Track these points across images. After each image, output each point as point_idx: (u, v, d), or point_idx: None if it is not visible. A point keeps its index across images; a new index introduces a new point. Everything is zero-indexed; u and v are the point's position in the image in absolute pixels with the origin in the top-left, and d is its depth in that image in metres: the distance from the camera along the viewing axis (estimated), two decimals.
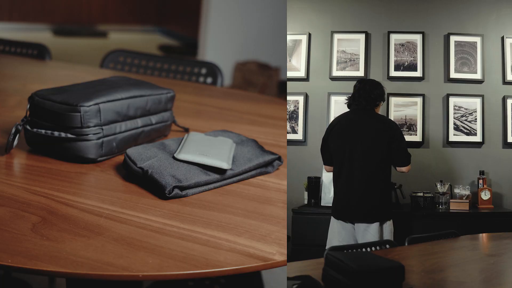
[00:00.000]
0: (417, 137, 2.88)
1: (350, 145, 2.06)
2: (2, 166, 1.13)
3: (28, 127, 1.18)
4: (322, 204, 2.72)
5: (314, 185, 2.75)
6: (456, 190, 2.69)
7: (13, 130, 1.17)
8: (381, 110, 2.91)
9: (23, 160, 1.18)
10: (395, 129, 2.08)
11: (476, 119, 2.86)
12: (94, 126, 1.15)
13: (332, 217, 2.12)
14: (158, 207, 0.98)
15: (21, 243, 0.81)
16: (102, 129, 1.17)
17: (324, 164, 2.21)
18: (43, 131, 1.15)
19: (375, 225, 2.00)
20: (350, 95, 2.17)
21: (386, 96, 2.21)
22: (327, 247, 2.02)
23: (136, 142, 1.27)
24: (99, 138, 1.16)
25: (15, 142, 1.18)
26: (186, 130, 1.44)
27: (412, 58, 2.94)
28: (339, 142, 2.09)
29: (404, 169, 2.12)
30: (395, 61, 2.94)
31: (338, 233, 2.07)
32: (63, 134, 1.14)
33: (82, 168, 1.14)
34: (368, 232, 1.99)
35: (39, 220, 0.89)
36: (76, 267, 0.77)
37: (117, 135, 1.21)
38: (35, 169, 1.14)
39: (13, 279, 1.58)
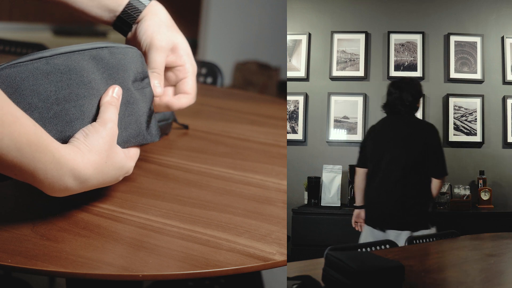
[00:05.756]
0: None
1: (383, 150, 2.02)
2: None
3: None
4: (322, 204, 2.72)
5: (314, 185, 2.75)
6: (456, 190, 2.70)
7: None
8: (380, 110, 2.92)
9: None
10: (428, 136, 2.00)
11: (476, 119, 2.86)
12: None
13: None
14: (158, 207, 0.98)
15: (21, 243, 0.81)
16: None
17: (357, 166, 2.14)
18: None
19: (406, 234, 1.91)
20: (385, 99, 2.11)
21: (421, 95, 2.11)
22: None
23: None
24: None
25: None
26: (186, 127, 1.44)
27: (412, 58, 2.94)
28: (374, 146, 2.05)
29: (436, 181, 2.01)
30: (395, 61, 2.94)
31: (365, 239, 2.02)
32: None
33: None
34: (398, 241, 1.89)
35: (39, 220, 0.89)
36: (76, 267, 0.77)
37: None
38: None
39: (13, 279, 1.58)
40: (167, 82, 1.07)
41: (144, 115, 0.95)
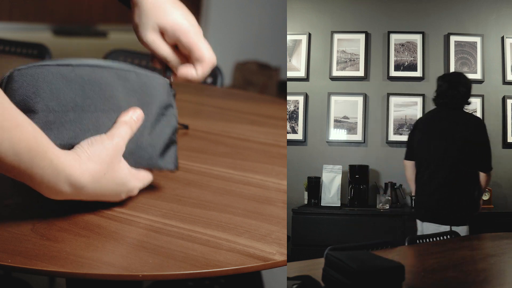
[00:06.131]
0: None
1: (430, 143, 2.00)
2: None
3: None
4: (322, 204, 2.73)
5: (314, 185, 2.75)
6: None
7: None
8: (380, 110, 2.92)
9: None
10: (475, 130, 1.99)
11: None
12: None
13: None
14: (158, 207, 0.98)
15: (21, 243, 0.81)
16: None
17: (404, 158, 2.14)
18: None
19: (445, 228, 1.91)
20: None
21: (470, 90, 2.11)
22: None
23: None
24: None
25: None
26: (186, 127, 1.44)
27: (412, 58, 2.94)
28: (421, 139, 2.04)
29: (483, 175, 2.00)
30: (395, 61, 2.95)
31: (420, 232, 2.02)
32: None
33: None
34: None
35: (39, 220, 0.89)
36: (76, 267, 0.77)
37: None
38: None
39: (13, 279, 1.58)
40: (182, 58, 1.04)
41: (161, 142, 0.96)
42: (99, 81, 0.90)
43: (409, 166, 2.12)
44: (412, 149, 2.10)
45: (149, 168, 0.96)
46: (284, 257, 0.86)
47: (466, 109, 2.10)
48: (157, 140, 0.96)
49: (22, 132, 0.74)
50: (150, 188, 1.06)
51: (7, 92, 0.86)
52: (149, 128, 0.94)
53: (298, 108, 2.96)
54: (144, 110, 0.93)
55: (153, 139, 0.95)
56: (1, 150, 0.72)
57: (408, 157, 2.12)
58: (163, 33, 1.01)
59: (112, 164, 0.86)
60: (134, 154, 0.92)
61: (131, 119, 0.91)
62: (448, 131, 2.00)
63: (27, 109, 0.84)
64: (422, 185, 2.02)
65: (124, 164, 0.89)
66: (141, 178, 0.94)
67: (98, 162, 0.84)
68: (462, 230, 1.91)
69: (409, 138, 2.14)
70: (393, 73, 2.93)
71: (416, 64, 2.93)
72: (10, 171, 0.75)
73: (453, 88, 2.03)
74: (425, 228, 1.99)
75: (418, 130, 2.08)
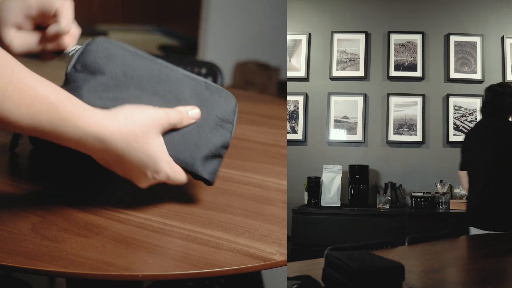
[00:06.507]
0: (417, 137, 2.88)
1: (478, 153, 2.04)
2: (4, 166, 1.13)
3: None
4: (322, 204, 2.72)
5: (314, 185, 2.75)
6: (456, 190, 2.70)
7: None
8: (380, 110, 2.92)
9: (25, 160, 1.19)
10: None
11: (476, 119, 2.86)
12: None
13: None
14: (158, 207, 0.98)
15: (21, 243, 0.81)
16: None
17: (459, 168, 2.16)
18: None
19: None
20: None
21: None
22: None
23: None
24: None
25: (19, 141, 1.18)
26: None
27: (412, 58, 2.94)
28: (471, 149, 2.08)
29: None
30: (395, 61, 2.94)
31: None
32: None
33: (83, 168, 1.14)
34: None
35: (39, 220, 0.88)
36: (76, 267, 0.77)
37: None
38: (36, 169, 1.14)
39: (13, 279, 1.58)
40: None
41: (207, 148, 0.95)
42: (170, 73, 0.94)
43: (463, 176, 2.16)
44: (464, 159, 2.13)
45: (185, 169, 0.94)
46: (284, 257, 0.86)
47: None
48: (205, 145, 0.95)
49: (42, 105, 0.76)
50: (150, 188, 1.05)
51: (84, 52, 0.93)
52: (201, 130, 0.95)
53: (298, 108, 2.96)
54: (202, 113, 0.95)
55: (201, 142, 0.94)
56: (23, 125, 0.76)
57: (461, 167, 2.16)
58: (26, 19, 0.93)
59: (148, 133, 0.86)
60: (177, 146, 0.91)
61: (186, 112, 0.92)
62: (494, 141, 2.03)
63: (97, 71, 0.91)
64: (475, 193, 2.05)
65: (160, 141, 0.88)
66: (174, 168, 0.91)
67: (133, 123, 0.84)
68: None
69: (461, 148, 2.17)
70: (393, 73, 2.93)
71: (416, 64, 2.93)
72: (37, 136, 0.79)
73: (498, 98, 2.06)
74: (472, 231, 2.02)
75: (468, 140, 2.12)
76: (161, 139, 0.88)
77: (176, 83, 0.94)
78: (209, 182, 0.98)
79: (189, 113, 0.92)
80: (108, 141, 0.82)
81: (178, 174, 0.92)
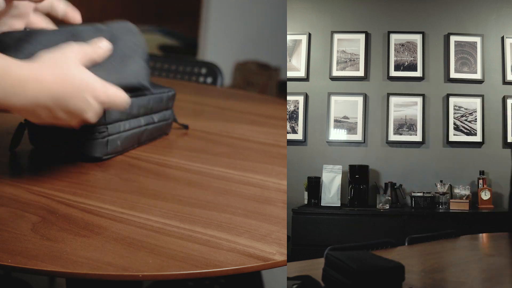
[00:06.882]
0: (417, 137, 2.88)
1: None
2: (4, 166, 1.13)
3: (31, 126, 1.18)
4: (322, 204, 2.72)
5: (314, 185, 2.75)
6: (456, 190, 2.69)
7: (17, 129, 1.17)
8: (380, 110, 2.92)
9: (26, 159, 1.19)
10: None
11: (476, 119, 2.86)
12: (99, 125, 1.15)
13: None
14: (158, 207, 0.98)
15: (21, 243, 0.81)
16: (107, 127, 1.17)
17: None
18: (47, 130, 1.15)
19: None
20: None
21: None
22: None
23: (140, 140, 1.28)
24: (104, 137, 1.16)
25: (19, 141, 1.18)
26: (186, 127, 1.44)
27: (412, 58, 2.94)
28: None
29: None
30: (395, 61, 2.94)
31: None
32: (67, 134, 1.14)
33: (83, 167, 1.14)
34: None
35: (39, 220, 0.88)
36: (76, 267, 0.77)
37: (122, 133, 1.21)
38: (36, 169, 1.14)
39: (13, 279, 1.58)
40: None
41: (132, 62, 1.06)
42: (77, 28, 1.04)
43: None
44: None
45: (119, 85, 1.01)
46: (284, 257, 0.86)
47: None
48: (128, 59, 1.06)
49: None
50: (150, 188, 1.05)
51: None
52: (120, 57, 1.05)
53: (298, 108, 2.96)
54: (115, 45, 1.03)
55: (125, 60, 1.05)
56: None
57: None
58: None
59: (71, 63, 0.91)
60: (109, 74, 1.00)
61: (96, 43, 0.99)
62: None
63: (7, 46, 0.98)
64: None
65: (85, 70, 0.93)
66: (111, 86, 0.97)
67: (56, 61, 0.90)
68: None
69: None
70: (393, 73, 2.92)
71: (416, 64, 2.93)
72: None
73: None
74: None
75: None
76: (85, 69, 0.94)
77: (82, 33, 1.03)
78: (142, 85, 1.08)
79: (100, 45, 0.99)
80: (25, 67, 0.87)
81: (117, 90, 0.98)
